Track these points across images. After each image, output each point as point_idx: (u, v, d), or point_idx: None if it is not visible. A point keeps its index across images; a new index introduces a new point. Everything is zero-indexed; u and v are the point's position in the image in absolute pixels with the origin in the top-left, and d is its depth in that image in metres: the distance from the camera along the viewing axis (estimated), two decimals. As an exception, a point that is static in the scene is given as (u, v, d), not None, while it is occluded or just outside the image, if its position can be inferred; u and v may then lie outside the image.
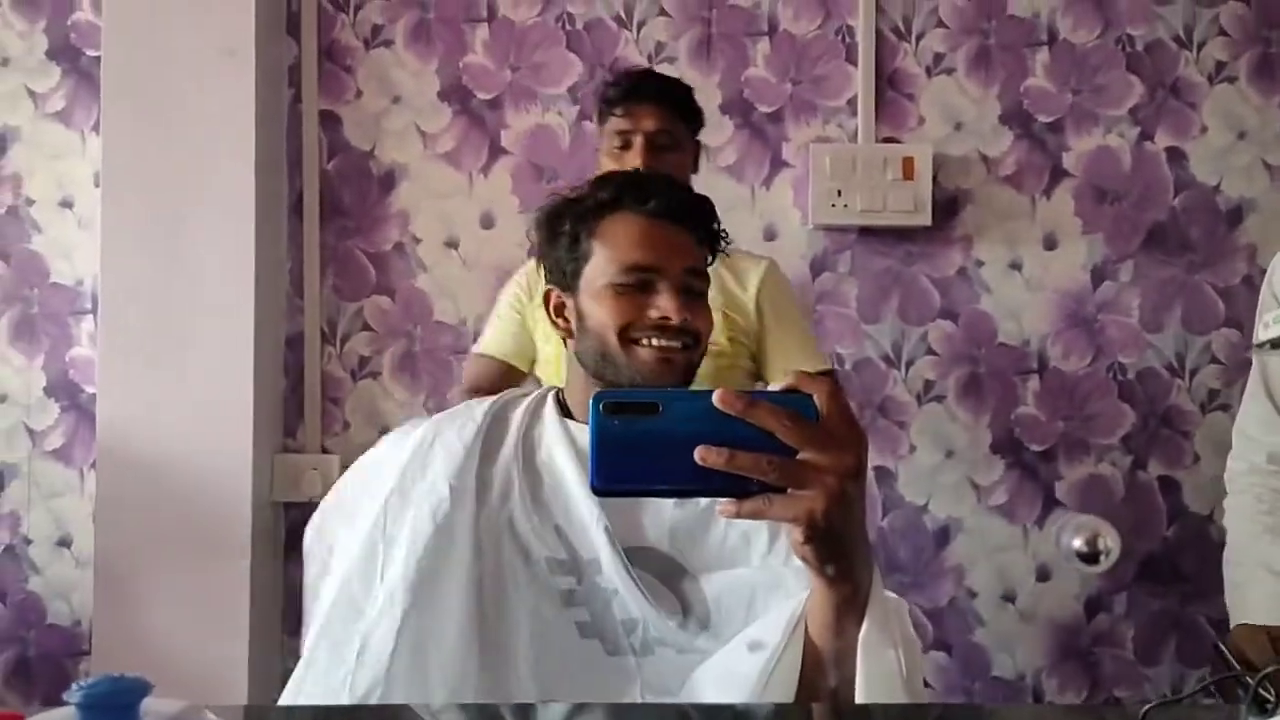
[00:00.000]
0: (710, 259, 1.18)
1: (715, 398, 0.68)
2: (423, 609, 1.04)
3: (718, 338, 1.61)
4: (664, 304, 1.09)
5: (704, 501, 1.08)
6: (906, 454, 2.41)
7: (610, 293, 1.11)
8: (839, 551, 0.73)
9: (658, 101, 1.76)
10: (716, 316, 1.52)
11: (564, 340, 1.19)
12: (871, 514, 2.39)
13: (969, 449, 2.41)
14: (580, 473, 1.08)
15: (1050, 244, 2.44)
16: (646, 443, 0.68)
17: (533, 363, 1.79)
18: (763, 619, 0.96)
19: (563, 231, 1.15)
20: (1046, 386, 2.41)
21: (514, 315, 1.78)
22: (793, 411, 0.69)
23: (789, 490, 0.69)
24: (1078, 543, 2.01)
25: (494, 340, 1.80)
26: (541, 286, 1.64)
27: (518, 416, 1.17)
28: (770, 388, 0.74)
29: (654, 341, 1.09)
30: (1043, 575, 2.40)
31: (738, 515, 0.70)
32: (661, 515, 1.08)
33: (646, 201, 1.12)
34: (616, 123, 1.76)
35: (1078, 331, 2.42)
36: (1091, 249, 2.43)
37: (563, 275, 1.16)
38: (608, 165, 1.75)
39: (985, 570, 2.40)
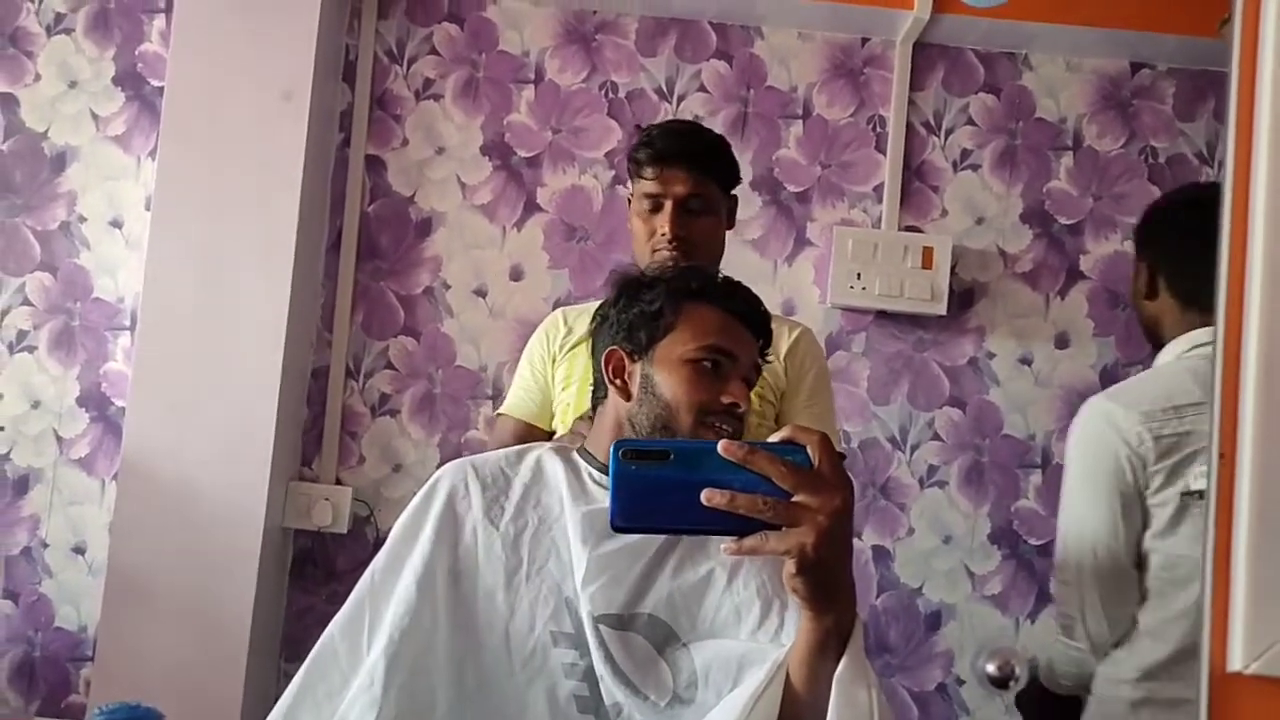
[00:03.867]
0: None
1: (719, 447, 0.77)
2: (403, 690, 1.09)
3: None
4: (735, 390, 1.18)
5: (701, 570, 1.13)
6: (904, 536, 2.45)
7: (689, 369, 1.18)
8: (826, 584, 0.81)
9: (689, 164, 1.66)
10: None
11: (621, 399, 1.23)
12: (865, 593, 2.43)
13: (967, 536, 2.45)
14: (588, 549, 1.13)
15: (1062, 343, 2.49)
16: (659, 486, 0.77)
17: (552, 419, 1.74)
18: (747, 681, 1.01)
19: (647, 300, 1.23)
20: (1048, 482, 2.45)
21: (534, 375, 1.74)
22: (788, 459, 0.78)
23: (784, 528, 0.77)
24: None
25: (516, 402, 1.76)
26: (566, 338, 1.70)
27: (522, 476, 1.22)
28: (770, 439, 0.83)
29: (722, 426, 1.17)
30: (1034, 662, 2.41)
31: (739, 551, 0.78)
32: (660, 582, 1.12)
33: (730, 299, 1.24)
34: (646, 185, 1.67)
35: (1082, 430, 2.46)
36: (1102, 351, 2.48)
37: (635, 339, 1.22)
38: (637, 226, 1.70)
39: (975, 653, 2.43)
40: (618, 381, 1.23)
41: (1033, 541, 2.45)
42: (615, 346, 1.23)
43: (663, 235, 1.63)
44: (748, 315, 1.24)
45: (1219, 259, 0.68)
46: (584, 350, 1.64)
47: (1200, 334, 1.50)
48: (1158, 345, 1.61)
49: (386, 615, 1.13)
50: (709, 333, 1.20)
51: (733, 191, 1.78)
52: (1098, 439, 1.51)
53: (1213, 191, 1.72)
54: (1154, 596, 1.49)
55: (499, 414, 1.80)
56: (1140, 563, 1.50)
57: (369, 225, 2.50)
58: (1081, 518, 1.53)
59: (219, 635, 2.24)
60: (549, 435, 1.69)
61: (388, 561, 1.18)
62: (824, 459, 0.79)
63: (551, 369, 1.71)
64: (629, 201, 1.77)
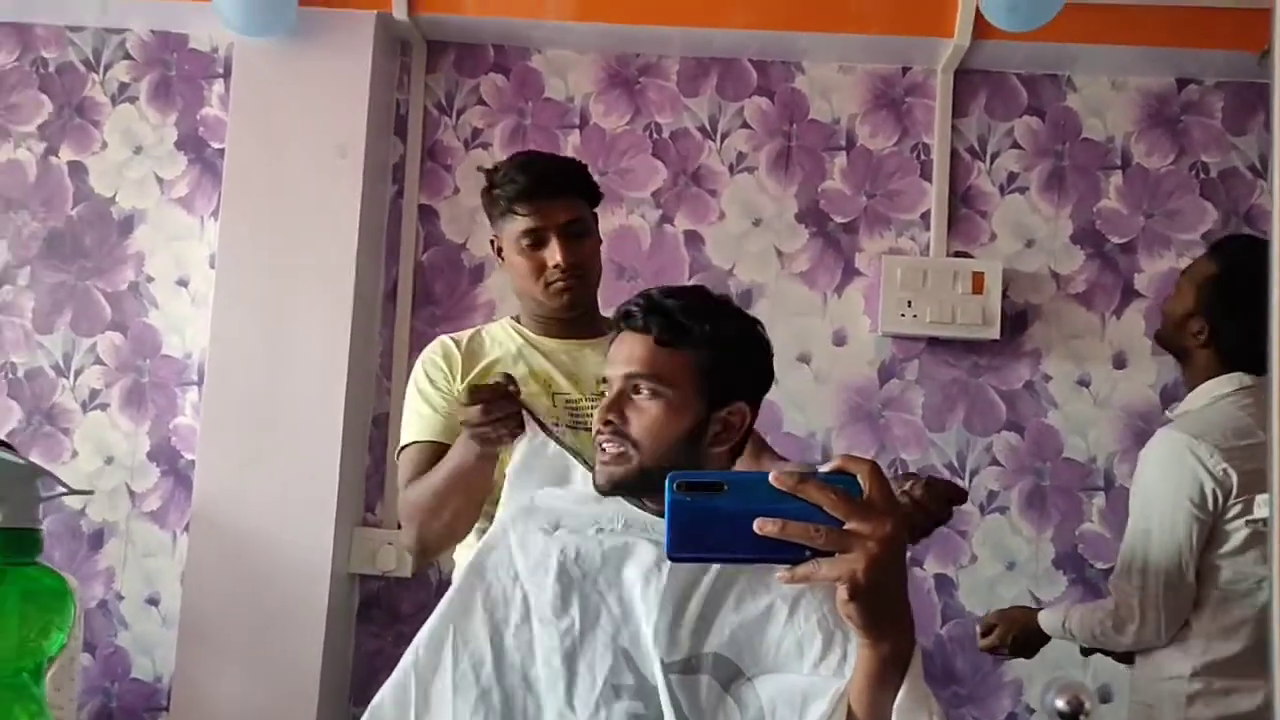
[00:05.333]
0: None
1: (771, 477, 0.78)
2: None
3: None
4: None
5: (762, 604, 1.14)
6: (967, 563, 2.43)
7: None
8: (879, 610, 0.81)
9: (560, 191, 1.62)
10: None
11: None
12: (929, 622, 2.40)
13: (1031, 562, 2.42)
14: (649, 594, 1.15)
15: (1120, 363, 2.46)
16: (713, 516, 0.79)
17: None
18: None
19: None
20: (1112, 505, 2.41)
21: (441, 397, 1.64)
22: (838, 487, 0.79)
23: (836, 555, 0.78)
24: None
25: (425, 426, 1.64)
26: (459, 366, 1.65)
27: (559, 536, 1.22)
28: (821, 469, 0.84)
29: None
30: (1104, 696, 2.37)
31: (792, 580, 0.79)
32: (722, 618, 1.13)
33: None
34: (522, 222, 1.60)
35: (1146, 451, 2.42)
36: (1162, 370, 2.44)
37: None
38: (520, 264, 1.62)
39: (1043, 684, 2.38)
40: None
41: (1099, 565, 2.41)
42: None
43: (556, 267, 1.59)
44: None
45: (1270, 277, 0.68)
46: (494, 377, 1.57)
47: (1242, 377, 1.75)
48: (1173, 355, 1.90)
49: (440, 707, 1.16)
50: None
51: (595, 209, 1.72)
52: (1183, 469, 1.70)
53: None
54: (1215, 605, 1.71)
55: (404, 446, 1.66)
56: (1201, 577, 1.72)
57: (423, 273, 2.55)
58: (1162, 538, 1.72)
59: (290, 681, 2.28)
60: None
61: (435, 638, 1.20)
62: (874, 487, 0.80)
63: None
64: (492, 243, 1.69)
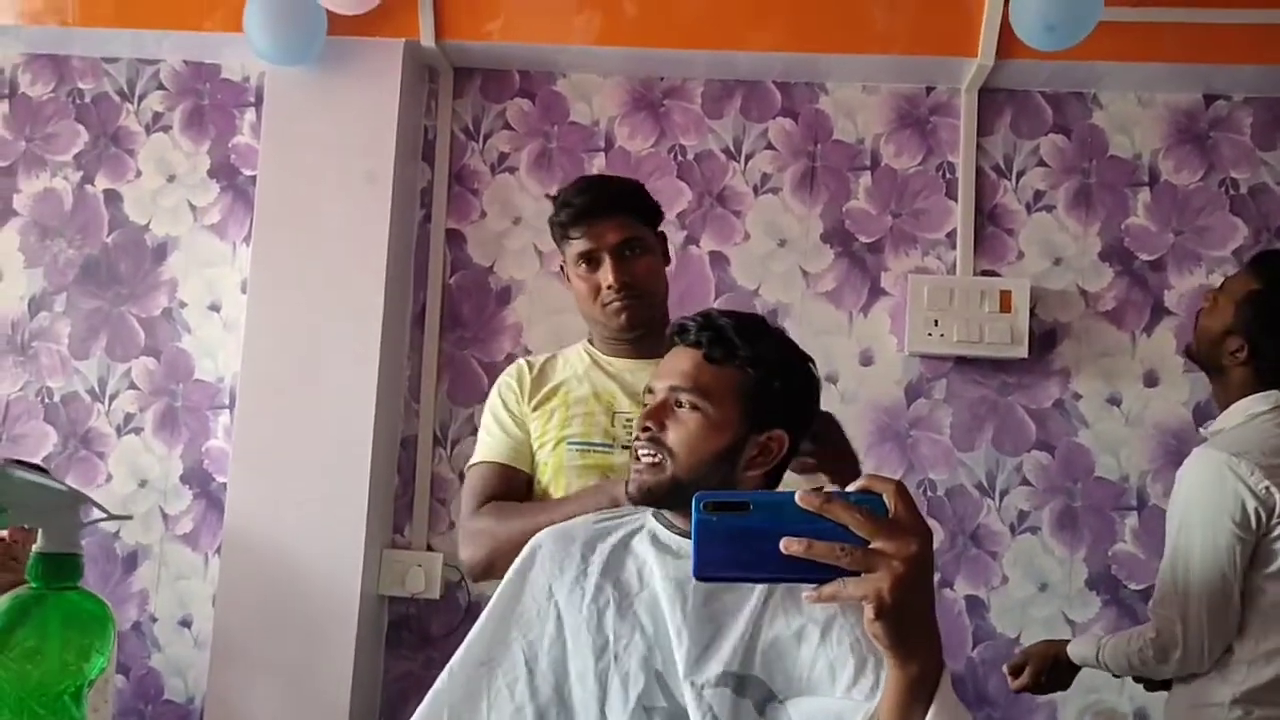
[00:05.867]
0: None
1: (797, 497, 0.79)
2: None
3: None
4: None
5: (794, 626, 1.14)
6: (999, 585, 2.41)
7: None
8: (906, 629, 0.81)
9: (612, 211, 1.64)
10: None
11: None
12: (961, 645, 2.38)
13: (1064, 583, 2.40)
14: (680, 615, 1.15)
15: (1151, 381, 2.44)
16: (739, 536, 0.79)
17: (532, 464, 1.68)
18: None
19: None
20: (1145, 525, 2.39)
21: (512, 419, 1.69)
22: (864, 507, 0.79)
23: (862, 574, 0.78)
24: None
25: (495, 444, 1.69)
26: (529, 387, 1.70)
27: (600, 553, 1.24)
28: (848, 489, 0.85)
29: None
30: (1140, 717, 2.34)
31: (818, 599, 0.79)
32: (754, 639, 1.13)
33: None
34: (577, 245, 1.64)
35: (1179, 470, 2.40)
36: (1194, 387, 2.42)
37: None
38: (580, 288, 1.67)
39: (1078, 708, 2.36)
40: None
41: (1133, 586, 2.38)
42: None
43: (609, 287, 1.62)
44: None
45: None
46: (561, 407, 1.65)
47: (1278, 395, 1.73)
48: (1205, 370, 1.88)
49: None
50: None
51: (659, 229, 1.74)
52: (1224, 487, 1.67)
53: None
54: (1258, 629, 1.66)
55: (473, 464, 1.70)
56: (1244, 599, 1.68)
57: (451, 296, 2.57)
58: (1204, 560, 1.68)
59: (320, 702, 2.29)
60: (530, 479, 1.66)
61: (470, 658, 1.21)
62: (900, 506, 0.80)
63: (528, 420, 1.69)
64: (561, 269, 1.73)
